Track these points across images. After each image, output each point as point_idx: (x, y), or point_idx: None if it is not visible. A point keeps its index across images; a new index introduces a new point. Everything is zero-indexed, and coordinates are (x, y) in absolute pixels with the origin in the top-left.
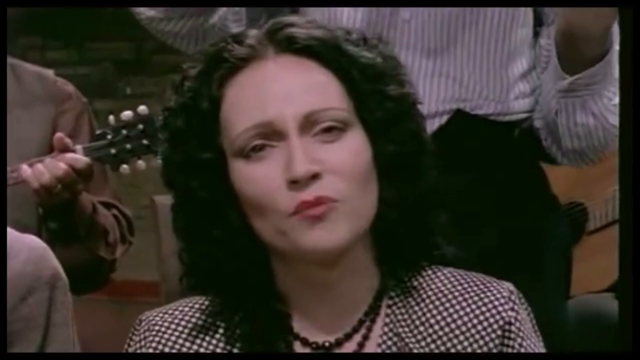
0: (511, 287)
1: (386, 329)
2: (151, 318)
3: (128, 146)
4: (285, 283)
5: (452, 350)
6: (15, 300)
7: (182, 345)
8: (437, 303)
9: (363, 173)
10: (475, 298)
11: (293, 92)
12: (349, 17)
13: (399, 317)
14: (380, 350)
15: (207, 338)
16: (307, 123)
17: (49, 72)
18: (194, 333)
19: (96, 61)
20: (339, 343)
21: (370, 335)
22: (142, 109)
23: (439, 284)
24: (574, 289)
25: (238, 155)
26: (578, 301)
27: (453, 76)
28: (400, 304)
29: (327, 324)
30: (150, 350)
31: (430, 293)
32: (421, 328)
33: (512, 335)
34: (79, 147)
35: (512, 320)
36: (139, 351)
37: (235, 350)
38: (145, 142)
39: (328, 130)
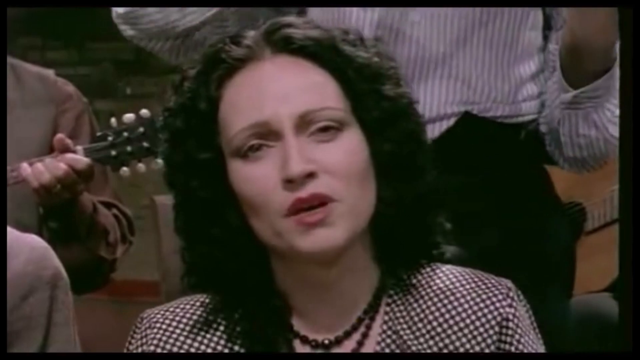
0: (509, 283)
1: (385, 327)
2: (152, 315)
3: (128, 148)
4: (285, 282)
5: (450, 347)
6: (16, 299)
7: (184, 343)
8: (435, 300)
9: (360, 172)
10: (474, 294)
11: (289, 92)
12: (358, 18)
13: (398, 314)
14: (380, 348)
15: (208, 335)
16: (303, 123)
17: (50, 72)
18: (195, 330)
19: (96, 61)
20: (338, 341)
21: (369, 333)
22: (144, 112)
23: (438, 281)
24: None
25: (235, 155)
26: (577, 301)
27: (462, 78)
28: (399, 302)
29: (327, 322)
30: (152, 348)
31: (429, 290)
32: (420, 325)
33: (510, 332)
34: (79, 147)
35: (510, 316)
36: (140, 349)
37: (236, 348)
38: (145, 144)
39: (324, 129)
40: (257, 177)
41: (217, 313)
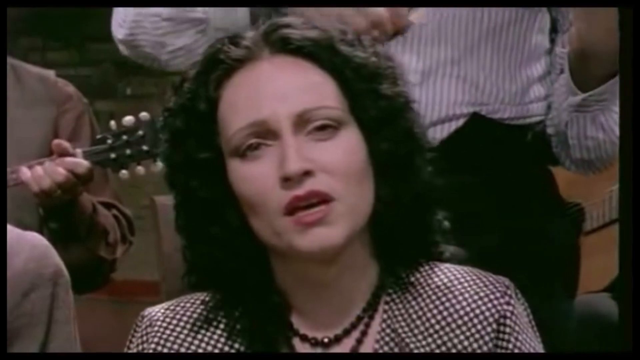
0: (507, 281)
1: (384, 325)
2: (153, 314)
3: (128, 151)
4: (285, 280)
5: (449, 344)
6: (17, 297)
7: (184, 340)
8: (433, 298)
9: (358, 171)
10: (472, 292)
11: (287, 92)
12: None
13: (397, 313)
14: (378, 346)
15: (209, 333)
16: (301, 122)
17: (50, 73)
18: (195, 328)
19: (97, 62)
20: (337, 339)
21: (368, 331)
22: (144, 115)
23: (436, 280)
24: None
25: (234, 155)
26: (576, 301)
27: (470, 80)
28: (397, 300)
29: (326, 320)
30: (152, 346)
31: (427, 288)
32: (418, 322)
33: (508, 329)
34: (78, 150)
35: (508, 313)
36: (140, 346)
37: (236, 345)
38: (145, 147)
39: (322, 128)
40: (255, 176)
41: (217, 311)
